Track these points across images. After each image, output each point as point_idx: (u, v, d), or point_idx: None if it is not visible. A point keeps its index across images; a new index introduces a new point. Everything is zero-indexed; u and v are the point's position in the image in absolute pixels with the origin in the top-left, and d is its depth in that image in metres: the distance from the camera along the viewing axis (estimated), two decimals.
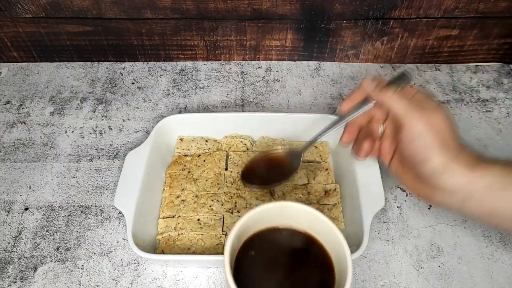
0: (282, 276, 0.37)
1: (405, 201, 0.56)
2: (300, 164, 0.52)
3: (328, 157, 0.58)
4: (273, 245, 0.39)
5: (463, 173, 0.38)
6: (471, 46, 0.72)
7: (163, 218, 0.52)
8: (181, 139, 0.59)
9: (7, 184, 0.58)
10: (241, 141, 0.59)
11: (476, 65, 0.74)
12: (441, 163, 0.39)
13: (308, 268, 0.38)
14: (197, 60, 0.75)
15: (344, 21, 0.68)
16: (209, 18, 0.68)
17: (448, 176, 0.39)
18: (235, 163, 0.57)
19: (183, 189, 0.54)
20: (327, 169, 0.56)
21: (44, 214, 0.55)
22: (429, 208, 0.55)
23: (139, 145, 0.55)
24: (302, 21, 0.68)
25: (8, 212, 0.55)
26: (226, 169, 0.57)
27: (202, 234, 0.50)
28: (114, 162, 0.60)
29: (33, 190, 0.57)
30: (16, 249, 0.52)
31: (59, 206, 0.56)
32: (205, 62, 0.75)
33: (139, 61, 0.75)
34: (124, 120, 0.66)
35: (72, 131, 0.64)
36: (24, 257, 0.51)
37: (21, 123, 0.66)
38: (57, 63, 0.75)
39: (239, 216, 0.52)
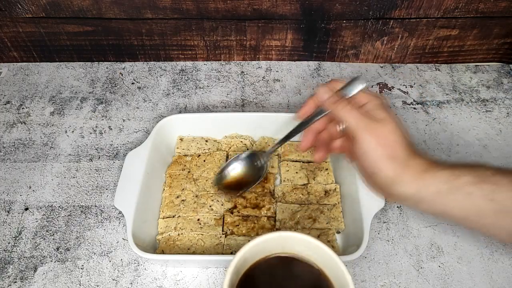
0: None
1: None
2: (265, 171, 0.54)
3: (328, 157, 0.58)
4: (274, 275, 0.39)
5: (412, 181, 0.40)
6: (471, 46, 0.72)
7: (163, 218, 0.52)
8: (181, 139, 0.59)
9: (7, 184, 0.58)
10: (241, 141, 0.59)
11: (476, 65, 0.74)
12: (390, 175, 0.40)
13: None
14: (197, 60, 0.75)
15: (344, 21, 0.68)
16: (209, 18, 0.68)
17: (398, 186, 0.40)
18: None
19: (183, 189, 0.54)
20: (327, 169, 0.56)
21: (44, 214, 0.55)
22: None
23: (139, 145, 0.55)
24: (302, 21, 0.68)
25: (8, 212, 0.55)
26: None
27: (202, 234, 0.50)
28: (114, 162, 0.60)
29: (33, 190, 0.57)
30: (16, 249, 0.52)
31: (59, 206, 0.56)
32: (205, 62, 0.75)
33: (139, 61, 0.75)
34: (124, 120, 0.66)
35: (72, 131, 0.64)
36: (24, 257, 0.51)
37: (21, 123, 0.66)
38: (57, 63, 0.75)
39: (239, 216, 0.52)
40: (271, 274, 0.39)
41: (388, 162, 0.40)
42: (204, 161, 0.57)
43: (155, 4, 0.65)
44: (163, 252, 0.49)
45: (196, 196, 0.54)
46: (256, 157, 0.54)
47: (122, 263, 0.51)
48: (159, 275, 0.49)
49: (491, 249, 0.51)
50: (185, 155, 0.58)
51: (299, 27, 0.69)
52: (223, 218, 0.52)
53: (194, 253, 0.49)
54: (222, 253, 0.49)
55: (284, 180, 0.55)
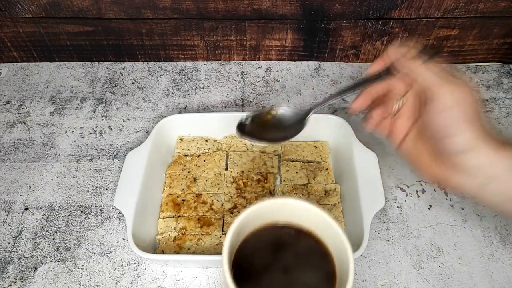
0: (282, 274, 0.37)
1: (405, 201, 0.56)
2: (305, 125, 0.46)
3: (328, 157, 0.58)
4: (272, 242, 0.39)
5: (488, 153, 0.36)
6: (471, 46, 0.72)
7: (163, 218, 0.52)
8: (181, 139, 0.59)
9: (7, 184, 0.58)
10: (241, 141, 0.59)
11: (476, 65, 0.74)
12: (468, 139, 0.36)
13: (309, 265, 0.37)
14: (197, 60, 0.75)
15: (344, 21, 0.68)
16: (209, 18, 0.68)
17: (473, 155, 0.37)
18: (235, 163, 0.57)
19: (183, 189, 0.54)
20: (327, 169, 0.56)
21: (44, 214, 0.55)
22: (429, 208, 0.55)
23: (139, 145, 0.55)
24: (302, 21, 0.68)
25: (8, 212, 0.55)
26: (226, 169, 0.57)
27: (202, 234, 0.50)
28: (114, 162, 0.60)
29: (33, 190, 0.57)
30: (16, 249, 0.52)
31: (59, 206, 0.56)
32: (205, 62, 0.75)
33: (139, 61, 0.75)
34: (124, 120, 0.66)
35: (72, 131, 0.64)
36: (24, 257, 0.51)
37: (21, 123, 0.66)
38: (57, 63, 0.75)
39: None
40: (269, 241, 0.38)
41: (465, 124, 0.37)
42: (204, 161, 0.57)
43: (155, 4, 0.65)
44: (163, 252, 0.49)
45: (196, 196, 0.54)
46: (296, 113, 0.48)
47: (122, 263, 0.51)
48: (159, 275, 0.49)
49: (491, 249, 0.51)
50: (185, 155, 0.58)
51: (299, 27, 0.69)
52: (223, 218, 0.52)
53: (194, 253, 0.49)
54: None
55: (284, 180, 0.55)
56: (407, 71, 0.41)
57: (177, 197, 0.54)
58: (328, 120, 0.58)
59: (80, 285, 0.49)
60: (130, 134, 0.64)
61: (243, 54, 0.74)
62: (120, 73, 0.73)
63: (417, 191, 0.57)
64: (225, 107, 0.68)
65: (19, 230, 0.53)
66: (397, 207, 0.55)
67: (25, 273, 0.50)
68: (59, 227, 0.54)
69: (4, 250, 0.52)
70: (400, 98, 0.43)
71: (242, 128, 0.47)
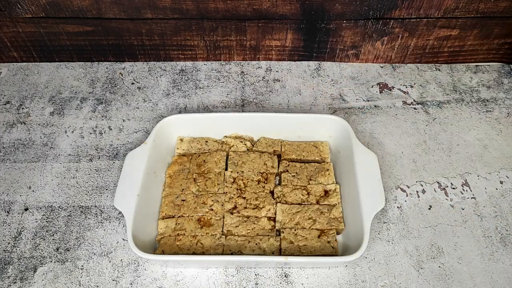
0: None
1: (405, 201, 0.56)
2: None
3: (328, 157, 0.58)
4: None
5: None
6: (471, 46, 0.72)
7: (163, 219, 0.52)
8: (181, 139, 0.59)
9: (7, 184, 0.58)
10: (241, 141, 0.59)
11: (476, 65, 0.74)
12: None
13: None
14: (197, 60, 0.75)
15: (344, 21, 0.68)
16: (209, 18, 0.68)
17: None
18: (235, 163, 0.57)
19: (183, 189, 0.54)
20: (327, 169, 0.56)
21: (44, 215, 0.55)
22: (429, 209, 0.55)
23: (139, 145, 0.55)
24: (302, 21, 0.68)
25: (8, 212, 0.55)
26: (226, 169, 0.56)
27: (202, 234, 0.50)
28: (114, 162, 0.60)
29: (33, 191, 0.57)
30: (16, 249, 0.52)
31: (59, 207, 0.56)
32: (205, 62, 0.75)
33: (139, 61, 0.75)
34: (124, 120, 0.66)
35: (72, 131, 0.64)
36: (24, 258, 0.51)
37: (21, 123, 0.65)
38: (57, 63, 0.75)
39: (239, 216, 0.52)
40: None
41: None
42: (204, 161, 0.57)
43: (155, 4, 0.65)
44: (163, 253, 0.49)
45: (196, 196, 0.54)
46: None
47: (122, 263, 0.50)
48: (159, 275, 0.49)
49: (492, 250, 0.51)
50: (185, 155, 0.58)
51: (299, 27, 0.69)
52: (223, 218, 0.52)
53: (194, 253, 0.49)
54: (222, 253, 0.49)
55: (284, 180, 0.55)
56: None
57: (177, 197, 0.54)
58: (328, 120, 0.58)
59: (80, 285, 0.49)
60: (130, 134, 0.64)
61: (243, 54, 0.74)
62: (120, 73, 0.73)
63: (417, 192, 0.57)
64: (225, 107, 0.68)
65: (19, 231, 0.53)
66: (397, 207, 0.55)
67: (25, 274, 0.50)
68: (59, 228, 0.54)
69: (4, 251, 0.52)
70: None
71: None
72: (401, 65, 0.74)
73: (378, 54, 0.73)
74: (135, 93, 0.70)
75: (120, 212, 0.54)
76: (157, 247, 0.50)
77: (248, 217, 0.52)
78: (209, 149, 0.59)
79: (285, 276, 0.49)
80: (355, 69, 0.74)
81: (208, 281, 0.49)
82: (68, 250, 0.51)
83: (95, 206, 0.56)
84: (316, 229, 0.51)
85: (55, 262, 0.51)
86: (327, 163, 0.57)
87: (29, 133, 0.64)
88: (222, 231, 0.51)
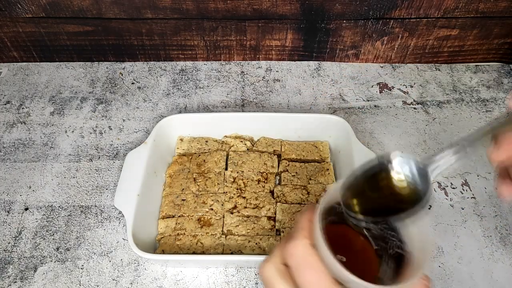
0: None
1: None
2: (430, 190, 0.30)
3: (328, 157, 0.58)
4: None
5: None
6: (471, 46, 0.72)
7: (163, 218, 0.52)
8: (181, 139, 0.59)
9: (7, 184, 0.58)
10: (241, 141, 0.59)
11: (476, 65, 0.74)
12: None
13: None
14: (197, 60, 0.75)
15: (344, 21, 0.68)
16: (209, 18, 0.68)
17: None
18: (235, 163, 0.57)
19: (183, 189, 0.54)
20: (327, 169, 0.56)
21: (44, 214, 0.55)
22: (429, 208, 0.55)
23: (139, 145, 0.55)
24: (302, 21, 0.68)
25: (8, 212, 0.55)
26: (226, 169, 0.57)
27: (202, 234, 0.50)
28: (114, 162, 0.60)
29: (33, 190, 0.57)
30: (16, 249, 0.52)
31: (59, 206, 0.56)
32: (205, 62, 0.75)
33: (139, 61, 0.75)
34: (124, 120, 0.66)
35: (72, 131, 0.64)
36: (24, 257, 0.51)
37: (21, 123, 0.66)
38: (57, 63, 0.75)
39: (240, 216, 0.52)
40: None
41: None
42: (204, 161, 0.57)
43: (155, 4, 0.65)
44: (163, 252, 0.49)
45: (196, 196, 0.54)
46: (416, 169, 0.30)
47: (122, 263, 0.51)
48: (159, 275, 0.49)
49: (491, 249, 0.51)
50: (185, 155, 0.58)
51: (299, 27, 0.69)
52: (223, 218, 0.52)
53: (194, 253, 0.49)
54: (222, 253, 0.49)
55: (284, 180, 0.55)
56: None
57: (177, 197, 0.54)
58: (328, 120, 0.58)
59: (80, 285, 0.49)
60: (130, 134, 0.64)
61: (243, 54, 0.74)
62: (120, 73, 0.73)
63: None
64: (225, 107, 0.68)
65: (19, 230, 0.53)
66: None
67: (25, 273, 0.50)
68: (59, 227, 0.54)
69: (4, 250, 0.52)
70: None
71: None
72: (401, 65, 0.74)
73: (378, 54, 0.73)
74: (135, 93, 0.70)
75: (120, 212, 0.54)
76: (157, 246, 0.50)
77: (248, 216, 0.52)
78: (209, 149, 0.59)
79: None
80: (355, 69, 0.74)
81: (208, 281, 0.49)
82: (68, 250, 0.52)
83: (95, 206, 0.56)
84: None
85: (55, 261, 0.51)
86: (327, 163, 0.57)
87: (29, 133, 0.64)
88: (222, 230, 0.51)
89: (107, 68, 0.74)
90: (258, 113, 0.62)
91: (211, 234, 0.50)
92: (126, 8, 0.66)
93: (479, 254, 0.51)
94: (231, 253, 0.49)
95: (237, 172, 0.56)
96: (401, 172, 0.30)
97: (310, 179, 0.55)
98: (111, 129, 0.65)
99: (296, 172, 0.56)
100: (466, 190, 0.57)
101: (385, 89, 0.70)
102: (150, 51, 0.74)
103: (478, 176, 0.58)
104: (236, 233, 0.51)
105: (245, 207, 0.53)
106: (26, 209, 0.55)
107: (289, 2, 0.65)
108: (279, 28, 0.69)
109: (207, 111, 0.67)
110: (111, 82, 0.72)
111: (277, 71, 0.73)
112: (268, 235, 0.50)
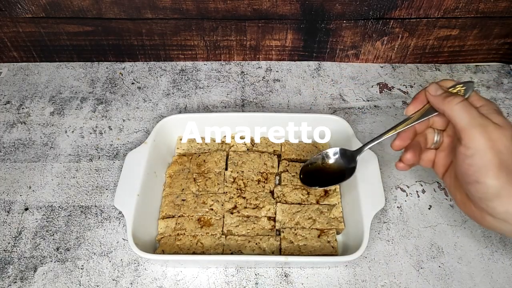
0: None
1: (405, 201, 0.56)
2: (356, 165, 0.49)
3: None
4: None
5: None
6: (471, 46, 0.72)
7: (163, 218, 0.52)
8: (181, 139, 0.59)
9: (7, 184, 0.58)
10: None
11: (476, 65, 0.74)
12: (496, 187, 0.35)
13: None
14: (197, 60, 0.75)
15: (344, 21, 0.68)
16: (209, 18, 0.68)
17: (501, 202, 0.35)
18: (235, 163, 0.57)
19: (183, 189, 0.54)
20: None
21: (44, 214, 0.55)
22: (429, 209, 0.55)
23: (139, 145, 0.55)
24: (302, 21, 0.68)
25: (8, 212, 0.55)
26: (226, 169, 0.57)
27: (202, 234, 0.50)
28: (114, 162, 0.60)
29: (33, 190, 0.57)
30: (16, 249, 0.52)
31: (59, 206, 0.56)
32: (205, 62, 0.75)
33: (139, 61, 0.75)
34: (124, 120, 0.66)
35: (72, 131, 0.64)
36: (24, 257, 0.51)
37: (21, 123, 0.66)
38: (57, 63, 0.75)
39: (239, 216, 0.52)
40: None
41: (496, 171, 0.35)
42: (204, 161, 0.57)
43: (155, 4, 0.65)
44: (163, 252, 0.49)
45: (196, 196, 0.54)
46: (345, 154, 0.51)
47: (122, 263, 0.51)
48: (159, 275, 0.49)
49: (491, 249, 0.51)
50: (185, 155, 0.58)
51: (299, 27, 0.69)
52: (223, 218, 0.52)
53: (194, 253, 0.49)
54: (222, 253, 0.49)
55: (284, 180, 0.55)
56: (442, 111, 0.40)
57: (177, 197, 0.54)
58: (328, 120, 0.58)
59: (80, 285, 0.49)
60: (130, 134, 0.64)
61: (243, 54, 0.74)
62: (120, 73, 0.73)
63: (417, 191, 0.57)
64: (225, 107, 0.68)
65: (19, 230, 0.53)
66: (397, 207, 0.55)
67: (25, 273, 0.50)
68: (59, 227, 0.54)
69: (4, 250, 0.52)
70: (439, 132, 0.44)
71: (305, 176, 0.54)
72: (401, 65, 0.74)
73: (378, 54, 0.73)
74: (135, 93, 0.70)
75: (120, 212, 0.54)
76: (157, 246, 0.50)
77: (248, 216, 0.52)
78: (209, 149, 0.59)
79: (285, 275, 0.49)
80: (355, 69, 0.74)
81: (208, 281, 0.49)
82: (68, 250, 0.52)
83: (95, 206, 0.56)
84: (316, 228, 0.51)
85: (55, 261, 0.51)
86: None
87: (29, 133, 0.64)
88: (222, 230, 0.51)
89: (107, 68, 0.74)
90: (258, 113, 0.62)
91: (211, 234, 0.50)
92: (126, 8, 0.66)
93: (479, 254, 0.51)
94: (231, 253, 0.49)
95: (237, 172, 0.56)
96: (331, 157, 0.53)
97: None
98: (111, 129, 0.65)
99: (296, 172, 0.56)
100: None
101: (385, 89, 0.70)
102: (150, 51, 0.74)
103: None
104: (236, 233, 0.51)
105: (245, 207, 0.53)
106: (26, 209, 0.55)
107: (289, 2, 0.65)
108: (279, 28, 0.69)
109: (207, 111, 0.67)
110: (111, 82, 0.72)
111: (277, 71, 0.74)
112: (268, 235, 0.50)
